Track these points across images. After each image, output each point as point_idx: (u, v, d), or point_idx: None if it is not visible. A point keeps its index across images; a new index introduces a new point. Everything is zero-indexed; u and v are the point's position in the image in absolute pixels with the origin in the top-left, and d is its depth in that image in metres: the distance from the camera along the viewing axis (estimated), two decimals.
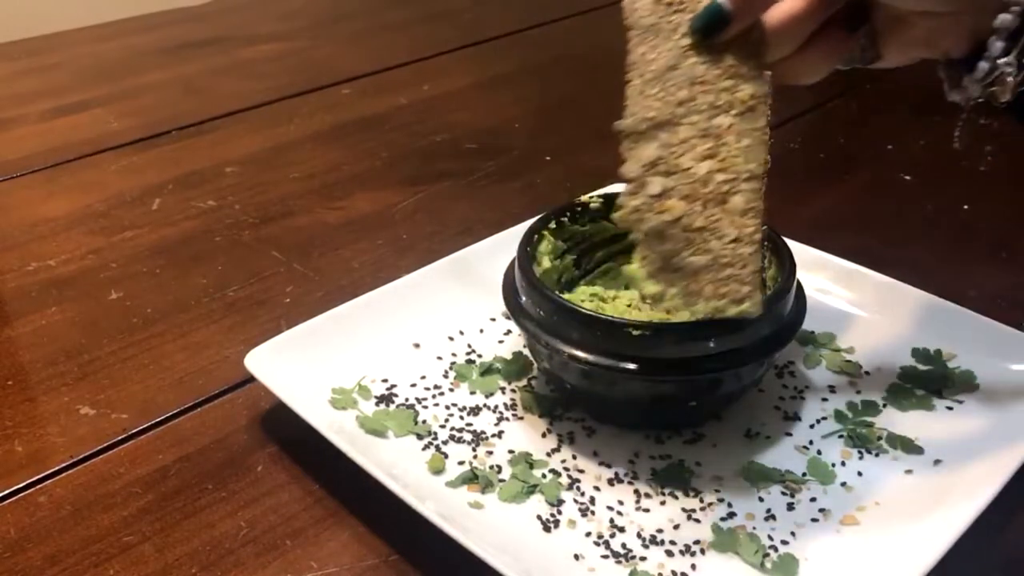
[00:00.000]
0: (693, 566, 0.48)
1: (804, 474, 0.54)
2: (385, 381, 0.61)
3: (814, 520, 0.51)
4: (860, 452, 0.56)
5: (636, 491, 0.53)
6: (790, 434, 0.57)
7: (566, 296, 0.58)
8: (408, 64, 1.20)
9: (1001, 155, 0.92)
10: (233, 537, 0.51)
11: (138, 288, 0.73)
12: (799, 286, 0.57)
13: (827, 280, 0.68)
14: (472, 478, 0.53)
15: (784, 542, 0.50)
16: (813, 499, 0.52)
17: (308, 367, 0.60)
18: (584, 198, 0.64)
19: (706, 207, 0.47)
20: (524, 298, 0.56)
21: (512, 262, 0.60)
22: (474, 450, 0.56)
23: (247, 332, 0.67)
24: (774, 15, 0.47)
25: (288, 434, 0.58)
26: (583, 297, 0.62)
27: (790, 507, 0.52)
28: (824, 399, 0.60)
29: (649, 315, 0.56)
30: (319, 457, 0.55)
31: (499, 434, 0.57)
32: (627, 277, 0.63)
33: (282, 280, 0.74)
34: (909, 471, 0.54)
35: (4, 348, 0.67)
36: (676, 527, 0.51)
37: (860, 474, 0.54)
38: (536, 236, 0.61)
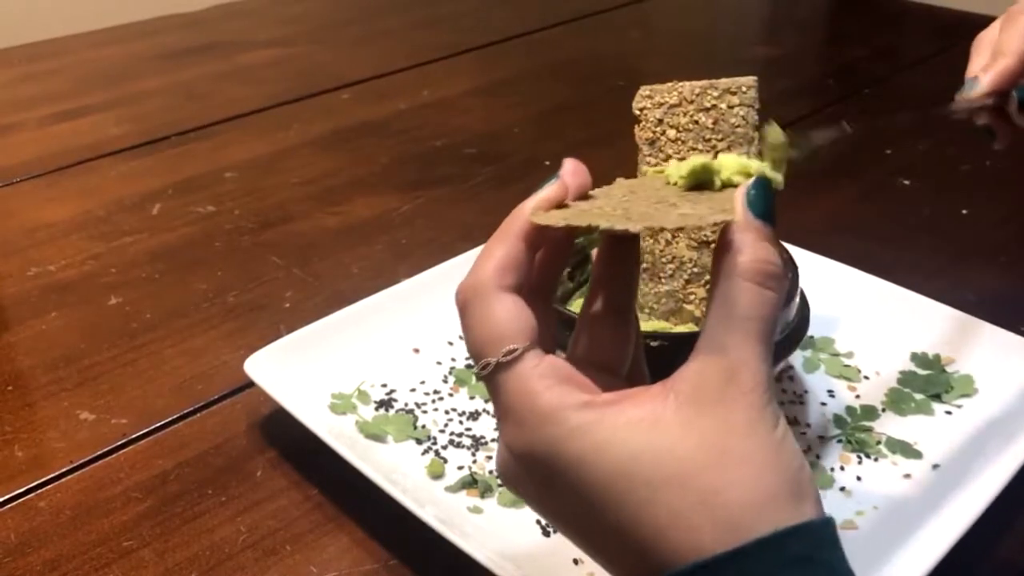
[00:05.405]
0: None
1: None
2: (384, 386, 0.61)
3: None
4: (859, 457, 0.56)
5: None
6: None
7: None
8: (407, 69, 1.20)
9: (1000, 159, 0.92)
10: (233, 542, 0.51)
11: (138, 293, 0.73)
12: (802, 292, 0.57)
13: (826, 284, 0.68)
14: (471, 483, 0.53)
15: None
16: None
17: (307, 372, 0.60)
18: None
19: None
20: None
21: None
22: (473, 455, 0.56)
23: (246, 337, 0.67)
24: None
25: (287, 439, 0.58)
26: (577, 310, 0.61)
27: None
28: (823, 403, 0.60)
29: (648, 325, 0.56)
30: (318, 462, 0.55)
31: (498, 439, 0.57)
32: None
33: (281, 285, 0.74)
34: (908, 476, 0.54)
35: (4, 353, 0.67)
36: None
37: (859, 479, 0.54)
38: None
